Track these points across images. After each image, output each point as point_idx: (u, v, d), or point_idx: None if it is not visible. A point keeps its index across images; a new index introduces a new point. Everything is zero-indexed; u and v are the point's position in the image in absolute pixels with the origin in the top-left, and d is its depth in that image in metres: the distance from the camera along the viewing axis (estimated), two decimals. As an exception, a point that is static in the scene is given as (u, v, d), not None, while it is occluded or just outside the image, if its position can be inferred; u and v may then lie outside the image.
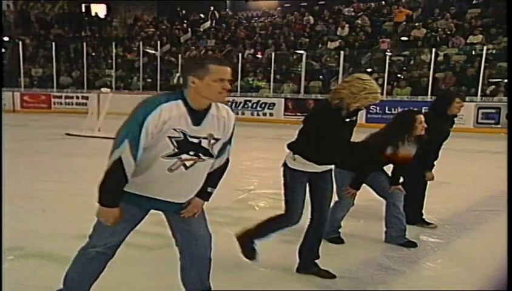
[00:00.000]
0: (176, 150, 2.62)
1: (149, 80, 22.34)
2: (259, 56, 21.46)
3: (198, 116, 2.65)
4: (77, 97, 22.09)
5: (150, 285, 3.49)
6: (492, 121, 14.95)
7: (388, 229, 4.50)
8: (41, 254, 4.07)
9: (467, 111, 14.65)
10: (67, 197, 6.24)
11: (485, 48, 16.17)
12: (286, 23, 23.10)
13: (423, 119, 4.34)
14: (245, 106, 19.21)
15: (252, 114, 19.13)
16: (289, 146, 3.65)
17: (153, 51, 23.09)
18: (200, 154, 2.69)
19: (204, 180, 2.80)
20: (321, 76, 19.31)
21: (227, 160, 2.88)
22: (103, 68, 23.98)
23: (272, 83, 19.50)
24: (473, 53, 17.13)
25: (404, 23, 19.92)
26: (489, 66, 16.14)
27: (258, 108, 19.12)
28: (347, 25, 20.66)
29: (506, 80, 15.64)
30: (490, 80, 16.02)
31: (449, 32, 18.43)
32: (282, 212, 3.68)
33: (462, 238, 4.74)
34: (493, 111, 15.02)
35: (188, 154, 2.64)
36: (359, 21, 20.78)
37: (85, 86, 22.43)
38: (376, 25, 20.47)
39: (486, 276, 3.61)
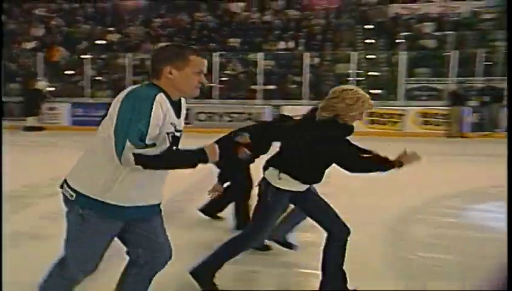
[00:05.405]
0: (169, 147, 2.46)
1: None
2: None
3: (176, 108, 2.49)
4: None
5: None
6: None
7: None
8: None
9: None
10: None
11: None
12: None
13: None
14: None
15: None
16: (273, 164, 3.40)
17: None
18: (177, 147, 2.55)
19: None
20: (18, 78, 18.95)
21: None
22: None
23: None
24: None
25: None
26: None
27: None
28: (42, 26, 20.73)
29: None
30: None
31: (140, 38, 20.45)
32: (237, 233, 3.55)
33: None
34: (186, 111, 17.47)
35: None
36: (54, 22, 21.07)
37: None
38: (74, 26, 21.08)
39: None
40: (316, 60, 18.35)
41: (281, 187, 3.30)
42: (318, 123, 3.25)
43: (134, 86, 2.45)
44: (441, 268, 4.11)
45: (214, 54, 17.58)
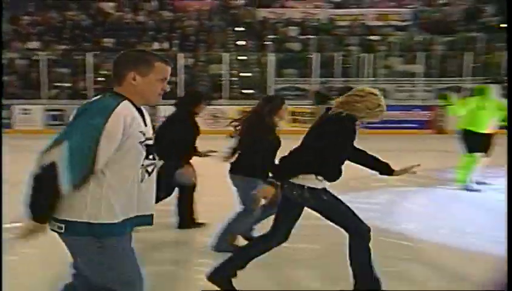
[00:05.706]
0: (145, 156, 2.39)
1: None
2: None
3: (142, 115, 2.42)
4: None
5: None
6: (59, 122, 16.06)
7: None
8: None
9: (36, 113, 16.55)
10: None
11: (42, 53, 18.17)
12: None
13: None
14: None
15: None
16: (309, 168, 3.32)
17: None
18: (154, 156, 2.49)
19: None
20: None
21: None
22: None
23: None
24: (33, 58, 18.67)
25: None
26: (51, 71, 18.02)
27: None
28: None
29: (68, 85, 18.16)
30: (54, 84, 18.06)
31: (7, 36, 19.64)
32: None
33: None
34: (59, 112, 16.51)
35: (148, 158, 2.41)
36: None
37: None
38: None
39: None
40: (190, 61, 19.08)
41: (325, 187, 3.40)
42: (336, 118, 3.30)
43: (96, 97, 2.39)
44: (302, 256, 4.38)
45: (88, 54, 17.64)
